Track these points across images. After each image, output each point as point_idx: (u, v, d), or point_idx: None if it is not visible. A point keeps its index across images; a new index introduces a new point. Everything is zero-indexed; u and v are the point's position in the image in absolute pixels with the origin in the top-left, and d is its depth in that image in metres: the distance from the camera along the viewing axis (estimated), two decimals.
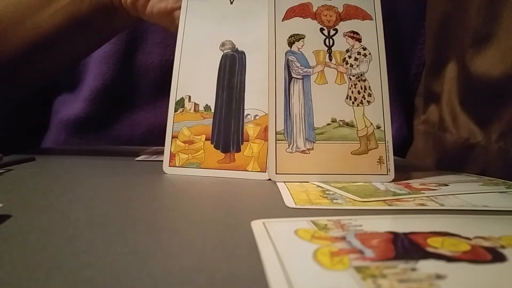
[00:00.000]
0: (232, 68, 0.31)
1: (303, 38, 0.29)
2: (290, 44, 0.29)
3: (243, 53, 0.31)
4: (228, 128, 0.30)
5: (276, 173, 0.27)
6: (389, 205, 0.22)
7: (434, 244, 0.15)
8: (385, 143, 0.27)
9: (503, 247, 0.15)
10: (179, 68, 0.32)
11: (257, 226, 0.18)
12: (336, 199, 0.23)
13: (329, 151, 0.27)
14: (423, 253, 0.14)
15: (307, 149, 0.27)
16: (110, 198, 0.24)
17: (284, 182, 0.27)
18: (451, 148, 0.44)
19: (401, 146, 0.55)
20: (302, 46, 0.29)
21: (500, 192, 0.26)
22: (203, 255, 0.15)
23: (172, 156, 0.31)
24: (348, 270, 0.13)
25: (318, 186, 0.27)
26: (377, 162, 0.27)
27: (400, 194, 0.24)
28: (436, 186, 0.27)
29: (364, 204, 0.22)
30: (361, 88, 0.27)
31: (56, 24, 0.38)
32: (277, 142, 0.28)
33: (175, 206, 0.23)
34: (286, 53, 0.29)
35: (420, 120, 0.53)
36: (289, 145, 0.28)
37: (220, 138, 0.30)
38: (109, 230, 0.18)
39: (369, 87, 0.28)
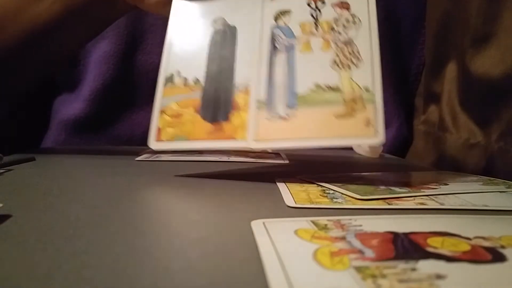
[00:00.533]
0: (223, 41, 0.31)
1: (289, 12, 0.29)
2: (276, 19, 0.29)
3: (234, 28, 0.31)
4: (217, 98, 0.29)
5: (255, 140, 0.27)
6: (389, 204, 0.22)
7: (434, 244, 0.15)
8: (375, 105, 0.25)
9: (503, 247, 0.15)
10: (170, 46, 0.32)
11: (257, 226, 0.18)
12: (336, 198, 0.23)
13: (311, 116, 0.26)
14: (423, 253, 0.14)
15: (288, 115, 0.26)
16: (110, 198, 0.24)
17: (265, 148, 0.26)
18: (451, 148, 0.44)
19: (401, 146, 0.55)
20: (288, 21, 0.28)
21: (500, 191, 0.26)
22: (203, 255, 0.15)
23: (159, 131, 0.30)
24: (348, 270, 0.13)
25: (318, 185, 0.27)
26: (365, 124, 0.26)
27: (400, 193, 0.24)
28: (436, 185, 0.27)
29: (364, 203, 0.22)
30: (349, 53, 0.27)
31: (53, 14, 0.38)
32: (258, 110, 0.27)
33: (175, 206, 0.23)
34: (272, 28, 0.29)
35: (420, 120, 0.53)
36: (269, 113, 0.27)
37: (209, 109, 0.29)
38: (109, 230, 0.18)
39: (358, 51, 0.27)
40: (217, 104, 0.29)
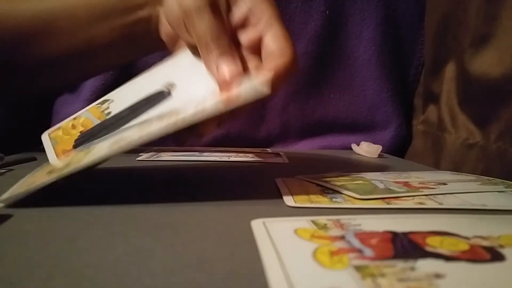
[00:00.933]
0: (155, 98, 0.31)
1: None
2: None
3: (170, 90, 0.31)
4: (96, 133, 0.30)
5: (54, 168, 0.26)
6: (388, 203, 0.22)
7: (433, 243, 0.15)
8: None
9: (501, 246, 0.15)
10: (132, 82, 0.33)
11: (257, 226, 0.18)
12: (336, 198, 0.23)
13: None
14: (422, 253, 0.14)
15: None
16: (110, 198, 0.24)
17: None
18: (450, 148, 0.44)
19: (400, 146, 0.55)
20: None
21: (498, 191, 0.26)
22: (203, 255, 0.15)
23: (56, 128, 0.32)
24: (347, 269, 0.13)
25: (318, 185, 0.27)
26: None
27: (399, 192, 0.24)
28: (435, 185, 0.27)
29: (364, 203, 0.22)
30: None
31: (108, 40, 0.37)
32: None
33: (175, 206, 0.23)
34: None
35: (419, 120, 0.53)
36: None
37: (85, 136, 0.30)
38: (109, 230, 0.18)
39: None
40: (91, 136, 0.30)
